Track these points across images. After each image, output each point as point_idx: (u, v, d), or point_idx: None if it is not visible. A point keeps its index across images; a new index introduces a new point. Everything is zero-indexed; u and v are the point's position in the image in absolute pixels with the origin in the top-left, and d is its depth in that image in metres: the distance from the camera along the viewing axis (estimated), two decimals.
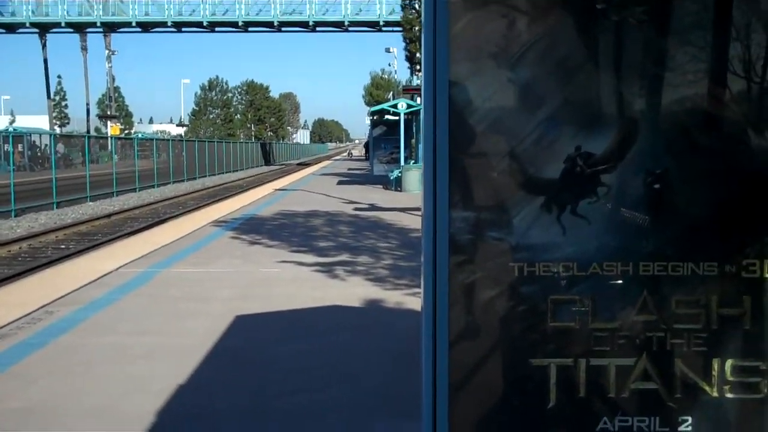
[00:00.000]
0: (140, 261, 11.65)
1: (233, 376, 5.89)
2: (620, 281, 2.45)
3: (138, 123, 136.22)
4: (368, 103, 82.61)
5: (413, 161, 29.40)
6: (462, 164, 2.44)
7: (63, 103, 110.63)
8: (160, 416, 5.00)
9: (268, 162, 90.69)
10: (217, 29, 61.19)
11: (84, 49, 79.15)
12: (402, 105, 30.49)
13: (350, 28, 58.95)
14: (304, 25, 59.10)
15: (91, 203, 30.30)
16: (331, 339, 7.00)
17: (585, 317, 2.49)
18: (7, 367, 6.13)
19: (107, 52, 77.23)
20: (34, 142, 54.13)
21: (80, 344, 6.85)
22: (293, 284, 9.67)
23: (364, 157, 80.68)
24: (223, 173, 57.94)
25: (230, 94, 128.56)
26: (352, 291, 9.09)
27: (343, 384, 5.69)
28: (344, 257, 11.72)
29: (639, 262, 2.45)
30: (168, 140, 53.30)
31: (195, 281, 9.96)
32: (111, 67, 78.36)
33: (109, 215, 24.83)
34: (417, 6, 37.27)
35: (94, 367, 6.13)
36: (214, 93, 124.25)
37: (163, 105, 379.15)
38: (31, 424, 4.90)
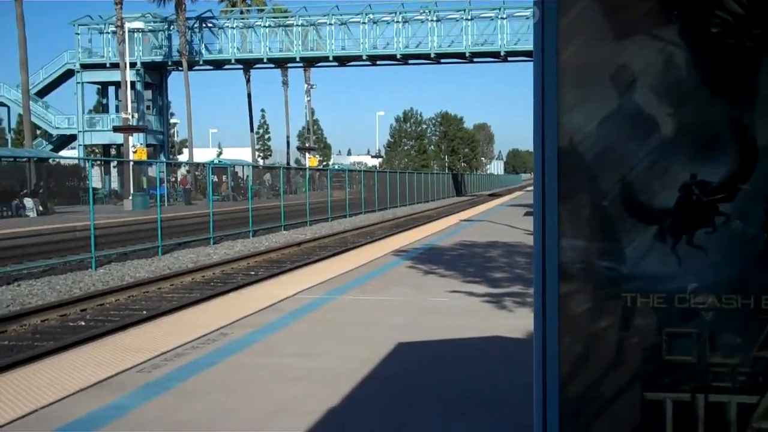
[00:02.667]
0: (318, 288, 12.05)
1: (382, 401, 6.00)
2: (740, 315, 2.36)
3: (336, 154, 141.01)
4: None
5: None
6: (571, 192, 2.42)
7: (266, 136, 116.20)
8: None
9: (459, 193, 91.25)
10: (410, 62, 62.51)
11: (285, 83, 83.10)
12: None
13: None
14: (495, 55, 59.35)
15: (285, 232, 31.61)
16: (489, 369, 6.97)
17: (703, 351, 2.40)
18: (178, 383, 6.52)
19: (306, 86, 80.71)
20: (237, 173, 57.20)
21: (246, 365, 7.19)
22: (460, 314, 9.70)
23: None
24: (414, 204, 58.83)
25: (424, 126, 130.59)
26: (518, 323, 9.00)
27: (491, 414, 5.66)
28: (516, 288, 11.62)
29: (761, 294, 2.35)
30: (360, 171, 54.80)
31: (365, 308, 10.20)
32: (310, 100, 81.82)
33: (299, 243, 25.83)
34: None
35: (254, 386, 6.42)
36: (408, 124, 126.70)
37: (360, 136, 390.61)
38: None
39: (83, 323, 12.71)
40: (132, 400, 6.03)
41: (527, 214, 34.34)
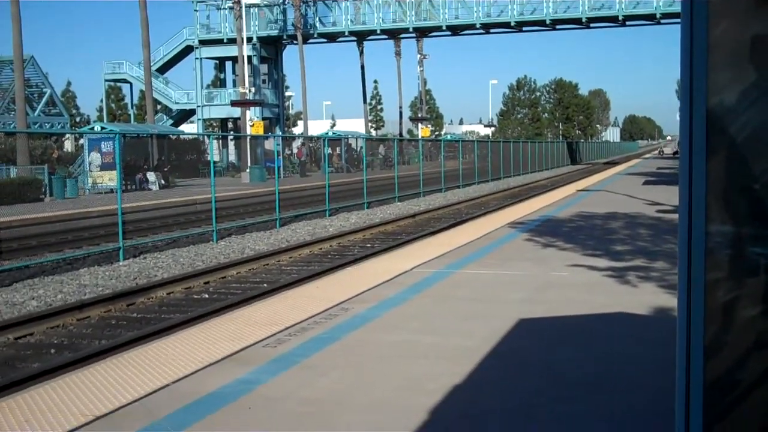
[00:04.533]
0: (435, 261, 12.04)
1: (506, 379, 5.94)
2: None
3: (448, 124, 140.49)
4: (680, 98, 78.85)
5: None
6: (720, 176, 2.31)
7: (378, 107, 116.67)
8: (432, 413, 5.17)
9: (574, 161, 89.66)
10: (524, 29, 61.54)
11: (397, 54, 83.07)
12: None
13: (662, 21, 56.66)
14: (613, 20, 57.77)
15: (399, 203, 31.72)
16: (613, 348, 6.82)
17: None
18: (303, 358, 6.62)
19: (419, 56, 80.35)
20: (350, 145, 57.69)
21: (369, 340, 7.24)
22: (582, 289, 9.52)
23: (675, 156, 77.23)
24: (528, 173, 58.13)
25: (538, 93, 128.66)
26: (641, 299, 8.77)
27: (613, 394, 5.53)
28: (639, 262, 11.33)
29: None
30: (473, 141, 54.42)
31: (484, 283, 10.12)
32: (422, 70, 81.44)
33: (413, 215, 25.88)
34: None
35: (378, 363, 6.45)
36: (521, 92, 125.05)
37: (472, 106, 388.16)
38: (317, 412, 5.27)
39: (207, 296, 13.08)
40: (259, 375, 6.15)
41: (647, 183, 33.48)
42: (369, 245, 18.93)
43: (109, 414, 5.34)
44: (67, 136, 64.77)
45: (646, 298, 8.79)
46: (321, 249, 18.22)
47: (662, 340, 7.07)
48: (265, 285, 13.50)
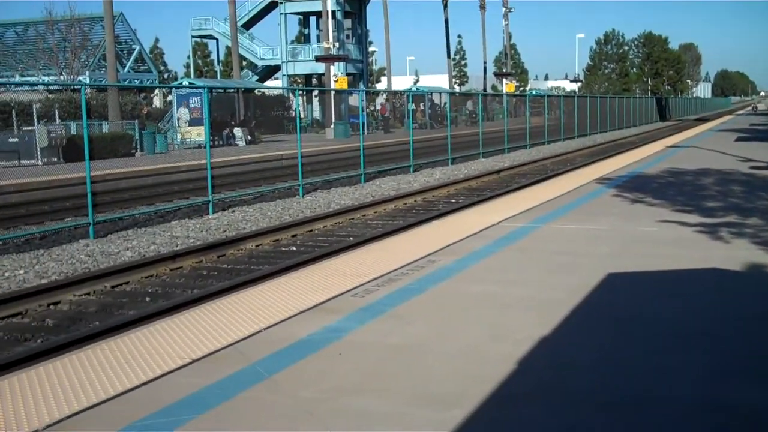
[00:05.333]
0: (522, 216, 11.98)
1: (595, 331, 5.93)
2: None
3: (533, 80, 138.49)
4: None
5: None
6: None
7: (462, 62, 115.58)
8: (519, 363, 5.21)
9: (663, 118, 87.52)
10: None
11: (482, 7, 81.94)
12: None
13: None
14: None
15: (483, 159, 31.56)
16: (704, 301, 6.72)
17: None
18: (391, 308, 6.71)
19: (504, 9, 79.23)
20: (434, 101, 57.37)
21: (455, 292, 7.29)
22: (672, 244, 9.37)
23: None
24: (615, 129, 57.02)
25: (626, 48, 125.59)
26: (735, 254, 8.60)
27: (706, 348, 5.47)
28: (731, 218, 11.07)
29: None
30: (559, 96, 53.56)
31: (572, 237, 10.05)
32: (507, 24, 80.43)
33: (498, 171, 25.74)
34: None
35: (465, 313, 6.50)
36: (609, 47, 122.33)
37: (558, 61, 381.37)
38: (404, 357, 5.36)
39: (294, 248, 13.31)
40: (348, 323, 6.27)
41: (739, 139, 32.54)
42: (454, 200, 18.93)
43: (205, 357, 5.52)
44: (156, 91, 66.07)
45: (738, 253, 8.61)
46: (405, 204, 18.31)
47: (756, 296, 6.95)
48: (351, 239, 13.67)
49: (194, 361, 5.45)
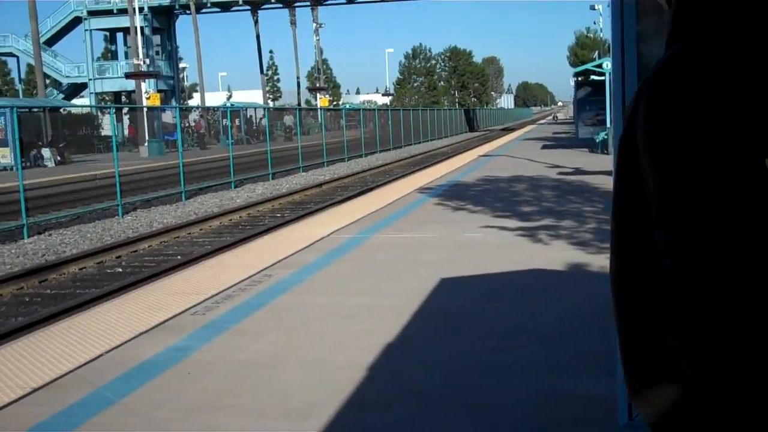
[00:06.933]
0: (350, 227, 12.18)
1: (436, 335, 6.16)
2: None
3: (345, 94, 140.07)
4: (573, 64, 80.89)
5: None
6: None
7: (275, 77, 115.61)
8: (369, 369, 5.34)
9: (472, 128, 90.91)
10: None
11: (293, 23, 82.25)
12: (607, 64, 29.80)
13: None
14: None
15: (303, 173, 31.71)
16: (534, 301, 7.12)
17: None
18: (235, 324, 6.69)
19: (315, 25, 79.83)
20: (250, 116, 57.04)
21: (297, 304, 7.35)
22: (497, 249, 9.83)
23: (570, 120, 79.17)
24: (428, 141, 58.72)
25: (434, 62, 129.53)
26: (555, 255, 9.13)
27: (541, 344, 5.81)
28: (547, 222, 11.73)
29: None
30: (374, 110, 54.61)
31: (401, 246, 10.34)
32: (319, 39, 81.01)
33: (320, 184, 25.96)
34: None
35: (309, 325, 6.59)
36: (417, 61, 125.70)
37: (369, 75, 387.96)
38: (256, 372, 5.38)
39: (120, 270, 12.92)
40: (193, 342, 6.20)
41: (545, 147, 34.34)
42: (279, 215, 18.95)
43: (47, 385, 5.31)
44: None
45: (558, 254, 9.15)
46: (231, 220, 18.16)
47: (574, 291, 7.43)
48: (179, 257, 13.43)
49: (35, 389, 5.24)
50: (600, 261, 8.58)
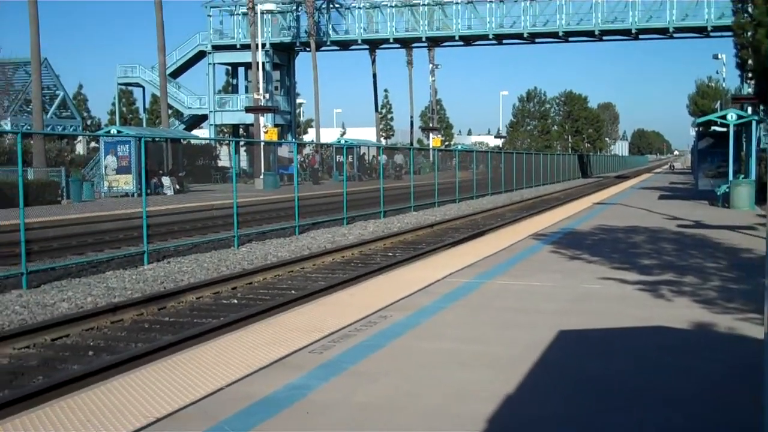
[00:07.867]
0: (465, 271, 12.12)
1: (556, 389, 6.01)
2: None
3: (457, 134, 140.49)
4: (692, 114, 79.03)
5: (743, 176, 27.83)
6: None
7: (389, 116, 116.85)
8: (489, 421, 5.24)
9: (585, 174, 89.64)
10: (537, 40, 61.63)
11: (409, 63, 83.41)
12: (731, 116, 28.98)
13: (675, 35, 56.85)
14: (626, 33, 57.98)
15: (414, 213, 31.80)
16: (655, 361, 6.88)
17: None
18: (352, 364, 6.70)
19: (431, 65, 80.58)
20: (363, 153, 57.77)
21: (413, 348, 7.32)
22: (616, 302, 9.58)
23: (687, 170, 77.24)
24: (539, 185, 58.17)
25: (548, 105, 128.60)
26: (678, 312, 8.84)
27: (662, 407, 5.59)
28: (668, 276, 11.39)
29: None
30: (487, 152, 54.48)
31: (517, 293, 10.20)
32: (434, 80, 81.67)
33: (431, 225, 25.96)
34: (750, 9, 35.00)
35: (426, 370, 6.53)
36: (531, 104, 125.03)
37: (481, 116, 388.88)
38: (375, 417, 5.35)
39: (236, 301, 13.17)
40: (310, 380, 6.22)
41: (662, 197, 33.53)
42: (391, 254, 19.02)
43: (169, 415, 5.42)
44: (79, 138, 64.96)
45: (682, 312, 8.85)
46: (343, 257, 18.32)
47: (701, 353, 7.14)
48: (293, 291, 13.59)
49: (158, 420, 5.35)
50: (727, 322, 8.26)
